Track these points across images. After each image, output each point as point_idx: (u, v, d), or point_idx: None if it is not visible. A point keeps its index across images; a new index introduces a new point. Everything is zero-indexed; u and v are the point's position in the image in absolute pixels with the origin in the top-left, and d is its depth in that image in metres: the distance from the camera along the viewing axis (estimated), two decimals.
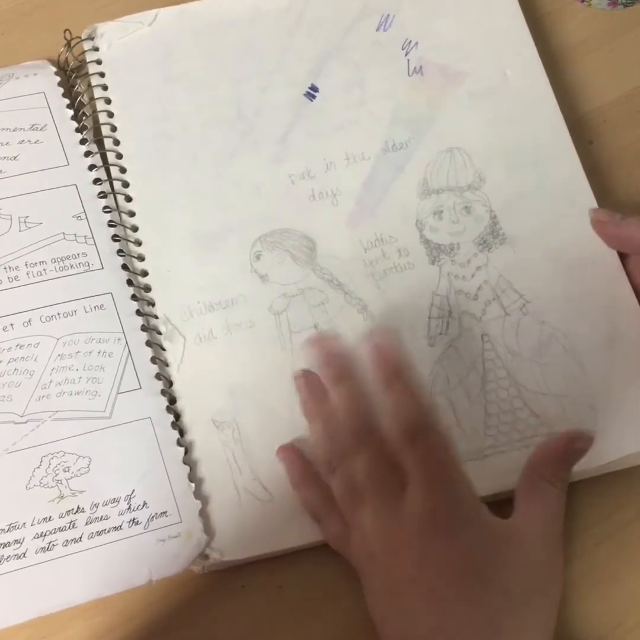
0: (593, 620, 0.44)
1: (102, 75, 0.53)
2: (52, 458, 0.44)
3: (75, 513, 0.44)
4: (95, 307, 0.47)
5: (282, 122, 0.52)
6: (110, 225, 0.49)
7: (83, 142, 0.51)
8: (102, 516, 0.44)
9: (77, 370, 0.46)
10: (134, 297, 0.48)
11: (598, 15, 0.58)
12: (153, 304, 0.48)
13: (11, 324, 0.47)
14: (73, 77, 0.53)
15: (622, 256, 0.49)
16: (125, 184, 0.51)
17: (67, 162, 0.50)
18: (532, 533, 0.41)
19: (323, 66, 0.53)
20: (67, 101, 0.52)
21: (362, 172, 0.51)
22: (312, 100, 0.53)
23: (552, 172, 0.51)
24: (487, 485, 0.44)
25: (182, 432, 0.46)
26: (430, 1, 0.55)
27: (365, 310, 0.48)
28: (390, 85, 0.53)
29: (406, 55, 0.54)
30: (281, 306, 0.48)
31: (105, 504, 0.44)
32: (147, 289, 0.49)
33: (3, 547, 0.43)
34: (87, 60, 0.53)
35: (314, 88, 0.53)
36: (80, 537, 0.43)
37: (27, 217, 0.49)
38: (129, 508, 0.44)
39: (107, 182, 0.50)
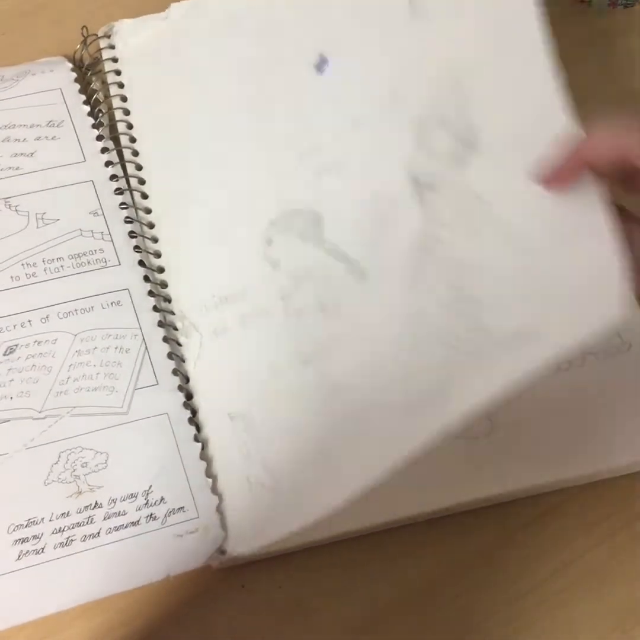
0: (593, 620, 0.44)
1: (117, 73, 0.53)
2: (70, 453, 0.44)
3: (93, 508, 0.44)
4: (112, 303, 0.48)
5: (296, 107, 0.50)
6: (126, 222, 0.49)
7: (100, 138, 0.51)
8: (119, 511, 0.44)
9: (94, 366, 0.46)
10: (150, 293, 0.48)
11: (598, 15, 0.58)
12: (169, 300, 0.48)
13: (29, 320, 0.47)
14: (89, 74, 0.53)
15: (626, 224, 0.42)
16: (142, 181, 0.51)
17: (84, 158, 0.51)
18: None
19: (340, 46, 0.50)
20: (83, 97, 0.52)
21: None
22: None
23: None
24: None
25: (199, 428, 0.46)
26: None
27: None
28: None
29: None
30: (291, 290, 0.47)
31: (123, 500, 0.44)
32: (164, 285, 0.49)
33: (22, 543, 0.43)
34: (103, 58, 0.53)
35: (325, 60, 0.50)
36: (98, 533, 0.43)
37: (44, 213, 0.49)
38: (147, 503, 0.44)
39: (124, 179, 0.51)
